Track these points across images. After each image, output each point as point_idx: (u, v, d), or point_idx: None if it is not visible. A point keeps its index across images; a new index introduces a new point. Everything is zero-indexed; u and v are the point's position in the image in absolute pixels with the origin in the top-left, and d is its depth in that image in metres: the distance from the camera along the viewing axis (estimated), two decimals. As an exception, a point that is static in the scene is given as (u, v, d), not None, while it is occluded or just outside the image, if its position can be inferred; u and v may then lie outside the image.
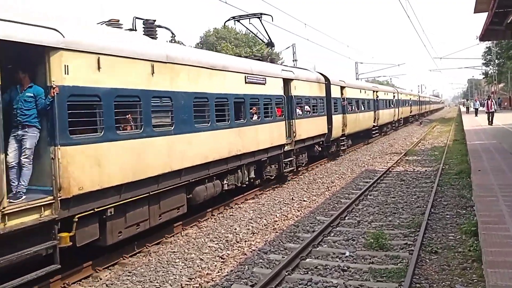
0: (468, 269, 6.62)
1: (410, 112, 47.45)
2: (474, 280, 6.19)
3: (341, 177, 15.74)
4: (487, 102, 29.58)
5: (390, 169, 16.53)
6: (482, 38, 20.47)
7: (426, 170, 16.06)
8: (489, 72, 59.09)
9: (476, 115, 41.07)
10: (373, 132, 28.38)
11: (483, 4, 14.48)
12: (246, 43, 54.97)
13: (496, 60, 55.00)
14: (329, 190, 13.57)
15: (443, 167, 16.18)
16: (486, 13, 15.13)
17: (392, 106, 35.29)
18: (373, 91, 28.77)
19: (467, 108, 57.10)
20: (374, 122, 27.97)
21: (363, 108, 25.22)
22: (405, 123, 44.44)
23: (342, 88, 21.24)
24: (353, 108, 22.98)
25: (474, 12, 16.43)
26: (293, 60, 36.96)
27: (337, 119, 19.54)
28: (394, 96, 36.47)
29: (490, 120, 28.27)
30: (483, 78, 69.47)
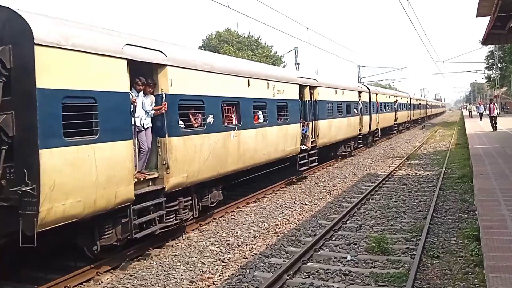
0: (470, 273, 6.60)
1: (395, 120, 35.08)
2: (476, 285, 6.17)
3: (343, 180, 15.73)
4: (489, 105, 28.62)
5: (392, 173, 16.50)
6: (485, 42, 20.43)
7: (428, 174, 16.03)
8: (492, 76, 59.01)
9: (480, 119, 40.72)
10: (303, 161, 15.25)
11: (485, 8, 14.46)
12: (249, 46, 55.10)
13: (499, 64, 54.89)
14: (331, 193, 13.56)
15: (445, 171, 16.15)
16: (489, 17, 15.13)
17: (356, 112, 22.42)
18: (302, 86, 15.34)
19: (470, 113, 56.91)
20: (305, 143, 15.37)
21: (277, 119, 13.01)
22: (387, 134, 33.60)
23: (165, 68, 8.32)
24: (222, 121, 10.26)
25: (477, 16, 16.41)
26: (295, 64, 37.09)
27: (118, 152, 7.04)
28: (360, 96, 23.58)
29: (493, 125, 27.15)
30: (486, 82, 69.37)
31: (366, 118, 24.49)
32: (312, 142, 15.97)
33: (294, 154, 14.50)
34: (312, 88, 16.43)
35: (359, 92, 23.82)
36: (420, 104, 55.85)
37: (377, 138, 28.59)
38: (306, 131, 15.56)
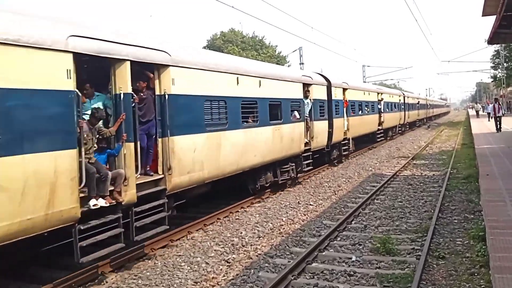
0: (475, 274, 6.56)
1: (380, 124, 27.57)
2: (482, 286, 6.13)
3: (348, 181, 15.68)
4: (494, 105, 27.14)
5: (398, 173, 16.44)
6: (491, 41, 20.34)
7: (433, 174, 15.95)
8: (498, 76, 58.64)
9: (489, 119, 40.03)
10: (96, 237, 6.62)
11: (491, 7, 14.40)
12: (253, 46, 55.14)
13: (505, 64, 54.54)
14: (335, 194, 13.52)
15: (451, 171, 16.06)
16: (494, 16, 15.04)
17: (298, 117, 14.32)
18: (103, 60, 6.98)
19: (477, 112, 56.46)
20: (113, 193, 6.91)
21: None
22: (370, 141, 26.73)
23: None
24: None
25: (482, 15, 16.35)
26: (300, 63, 37.05)
27: None
28: (308, 92, 15.44)
29: (498, 126, 26.06)
30: (492, 81, 68.96)
31: (320, 124, 16.32)
32: (154, 183, 8.07)
33: (60, 225, 6.12)
34: (155, 68, 8.20)
35: (306, 85, 15.25)
36: (418, 103, 47.99)
37: (346, 152, 20.28)
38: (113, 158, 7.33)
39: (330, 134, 17.40)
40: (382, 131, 28.30)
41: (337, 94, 18.58)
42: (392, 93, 33.70)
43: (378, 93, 27.77)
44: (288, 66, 51.45)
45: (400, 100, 35.44)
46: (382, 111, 27.86)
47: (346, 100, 19.93)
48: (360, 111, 22.77)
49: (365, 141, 25.71)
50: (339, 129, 18.53)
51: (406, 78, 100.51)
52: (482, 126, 33.47)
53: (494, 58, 58.33)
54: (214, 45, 52.71)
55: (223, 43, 53.33)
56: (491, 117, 30.04)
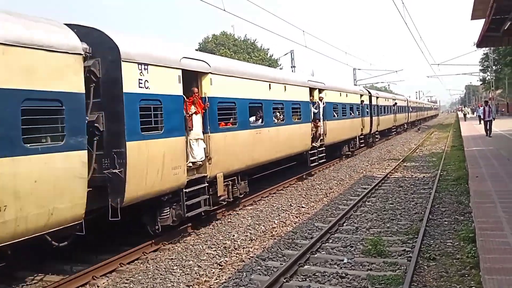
0: (466, 275, 6.61)
1: (318, 137, 17.48)
2: (472, 287, 6.19)
3: (340, 183, 15.74)
4: (484, 108, 25.35)
5: (388, 175, 16.53)
6: (479, 44, 20.55)
7: (424, 177, 16.07)
8: (487, 79, 59.37)
9: (480, 122, 39.50)
10: None
11: (480, 11, 14.57)
12: (245, 49, 55.23)
13: (494, 67, 55.23)
14: (327, 196, 13.57)
15: (441, 173, 16.20)
16: (483, 20, 15.22)
17: (56, 143, 6.22)
18: None
19: (465, 115, 57.13)
20: None
21: None
22: (304, 166, 16.91)
23: None
24: None
25: (471, 19, 16.52)
26: (291, 67, 37.16)
27: None
28: None
29: (488, 130, 24.18)
30: (481, 84, 69.79)
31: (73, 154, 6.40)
32: None
33: None
34: None
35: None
36: (395, 105, 38.17)
37: (205, 208, 9.80)
38: None
39: (117, 184, 7.37)
40: (322, 149, 17.89)
41: (155, 82, 8.18)
42: (345, 90, 22.46)
43: (311, 89, 17.49)
44: (280, 69, 51.31)
45: (363, 100, 26.09)
46: (322, 117, 17.95)
47: (202, 98, 9.95)
48: (260, 120, 12.90)
49: (289, 168, 16.65)
50: (160, 163, 8.19)
51: (397, 81, 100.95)
52: (471, 128, 33.77)
53: (483, 61, 59.09)
54: (206, 48, 52.68)
55: (215, 46, 53.34)
56: (482, 121, 29.61)
